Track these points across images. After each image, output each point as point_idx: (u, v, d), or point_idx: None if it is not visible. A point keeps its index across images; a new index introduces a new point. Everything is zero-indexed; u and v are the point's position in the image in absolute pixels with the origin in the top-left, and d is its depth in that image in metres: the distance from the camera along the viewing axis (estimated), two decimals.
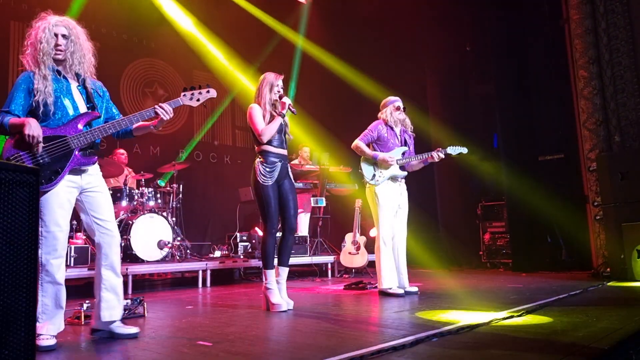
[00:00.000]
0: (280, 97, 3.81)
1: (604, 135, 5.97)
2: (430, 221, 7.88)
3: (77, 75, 2.84)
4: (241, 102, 9.33)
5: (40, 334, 2.51)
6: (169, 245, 5.71)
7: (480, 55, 8.01)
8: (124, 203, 5.85)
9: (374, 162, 4.55)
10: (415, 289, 4.54)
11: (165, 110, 2.83)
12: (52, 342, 2.54)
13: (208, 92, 2.94)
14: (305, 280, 6.29)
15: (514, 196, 7.00)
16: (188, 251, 6.32)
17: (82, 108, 2.78)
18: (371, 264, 6.83)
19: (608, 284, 4.96)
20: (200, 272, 5.66)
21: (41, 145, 2.56)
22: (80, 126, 2.70)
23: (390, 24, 8.88)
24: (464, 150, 4.57)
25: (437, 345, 2.37)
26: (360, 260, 6.43)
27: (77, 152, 2.67)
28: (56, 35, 2.74)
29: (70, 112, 2.73)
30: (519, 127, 7.27)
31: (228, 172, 9.03)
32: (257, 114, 3.77)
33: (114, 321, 2.77)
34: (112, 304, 2.75)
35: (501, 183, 7.32)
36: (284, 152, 3.85)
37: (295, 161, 7.17)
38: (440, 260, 7.37)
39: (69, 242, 5.20)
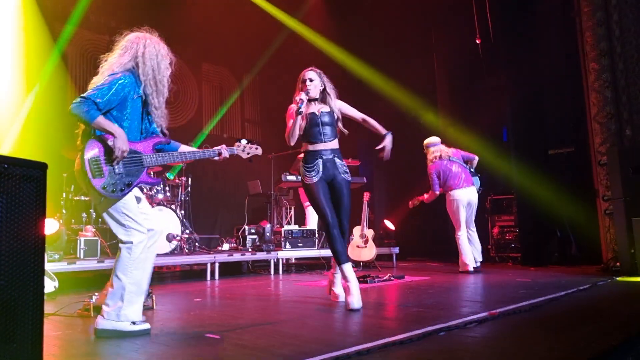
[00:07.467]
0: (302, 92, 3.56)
1: (614, 129, 5.90)
2: (439, 215, 7.85)
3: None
4: (250, 94, 9.33)
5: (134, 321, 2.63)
6: (178, 238, 5.74)
7: (491, 48, 7.94)
8: None
9: None
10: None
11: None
12: (147, 325, 2.68)
13: (257, 149, 3.26)
14: (313, 274, 6.31)
15: (523, 190, 6.95)
16: (197, 244, 6.36)
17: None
18: (379, 257, 6.84)
19: (618, 278, 4.92)
20: (209, 265, 5.70)
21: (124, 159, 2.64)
22: (151, 147, 2.81)
23: (399, 15, 8.82)
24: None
25: (444, 340, 2.37)
26: (368, 253, 6.43)
27: (145, 171, 2.75)
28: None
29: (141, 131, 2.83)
30: (529, 120, 7.20)
31: (237, 165, 9.00)
32: (288, 116, 3.64)
33: None
34: None
35: (510, 176, 7.27)
36: (323, 146, 3.65)
37: None
38: (449, 253, 7.36)
39: (78, 234, 5.26)
